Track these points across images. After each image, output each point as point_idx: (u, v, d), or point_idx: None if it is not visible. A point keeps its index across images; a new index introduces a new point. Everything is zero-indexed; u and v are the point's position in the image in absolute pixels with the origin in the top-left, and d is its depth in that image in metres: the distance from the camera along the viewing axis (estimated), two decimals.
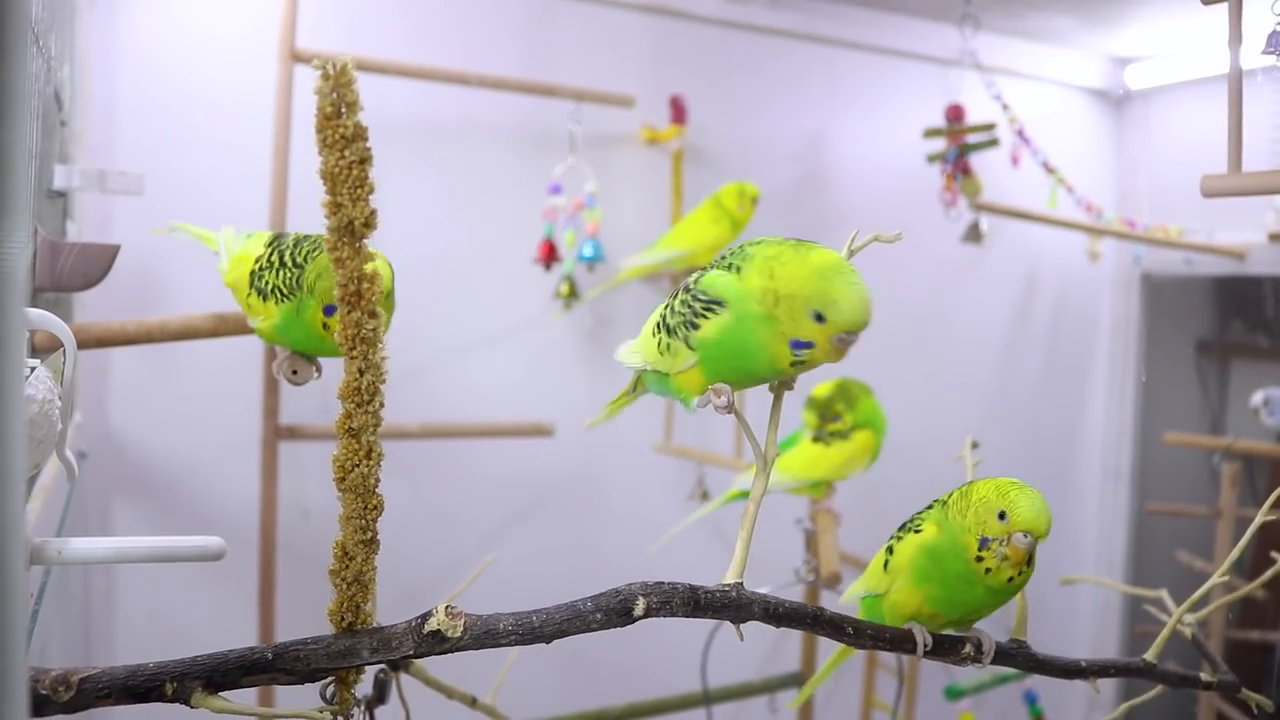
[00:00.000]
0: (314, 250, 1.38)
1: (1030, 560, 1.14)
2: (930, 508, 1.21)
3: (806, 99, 3.01)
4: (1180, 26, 2.95)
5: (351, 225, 0.91)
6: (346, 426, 0.93)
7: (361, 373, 0.93)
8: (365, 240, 0.92)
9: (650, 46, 2.78)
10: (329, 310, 1.32)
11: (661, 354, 1.10)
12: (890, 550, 1.21)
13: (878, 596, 1.21)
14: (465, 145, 2.55)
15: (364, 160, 0.91)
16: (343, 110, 0.90)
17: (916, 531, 1.19)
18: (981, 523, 1.12)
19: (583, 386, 2.70)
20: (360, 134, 0.91)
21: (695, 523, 2.78)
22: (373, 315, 0.93)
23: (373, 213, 0.92)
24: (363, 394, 0.93)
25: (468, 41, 2.54)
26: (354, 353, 0.93)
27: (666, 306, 1.11)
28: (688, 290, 1.08)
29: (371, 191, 0.92)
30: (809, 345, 1.00)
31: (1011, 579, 1.13)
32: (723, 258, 1.07)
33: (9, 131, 0.54)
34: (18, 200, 0.55)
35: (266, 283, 1.41)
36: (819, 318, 0.99)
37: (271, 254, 1.42)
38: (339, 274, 0.92)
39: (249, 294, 1.44)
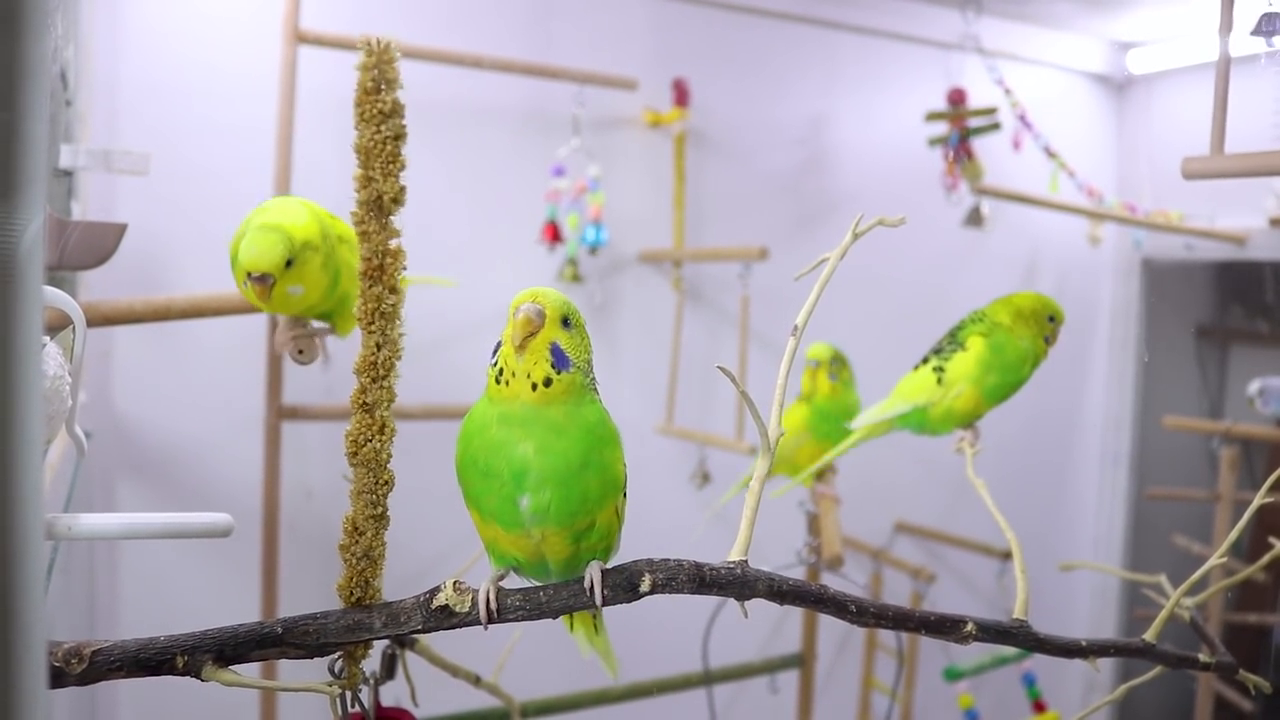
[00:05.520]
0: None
1: None
2: (956, 335, 1.71)
3: (809, 82, 3.00)
4: (1182, 11, 2.95)
5: (380, 200, 0.91)
6: (361, 401, 0.93)
7: (379, 347, 0.93)
8: (393, 216, 0.92)
9: (653, 29, 2.77)
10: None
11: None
12: (941, 369, 1.68)
13: (923, 410, 1.69)
14: (468, 127, 2.55)
15: (398, 136, 0.92)
16: (382, 87, 0.91)
17: (964, 348, 1.68)
18: (1040, 327, 1.69)
19: None
20: (397, 110, 0.92)
21: (697, 505, 2.80)
22: (393, 290, 0.92)
23: (402, 189, 0.92)
24: (379, 369, 0.93)
25: (471, 23, 2.53)
26: (372, 327, 0.92)
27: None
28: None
29: (403, 168, 0.92)
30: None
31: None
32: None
33: (25, 109, 0.54)
34: (34, 179, 0.56)
35: None
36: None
37: None
38: (364, 247, 0.92)
39: None
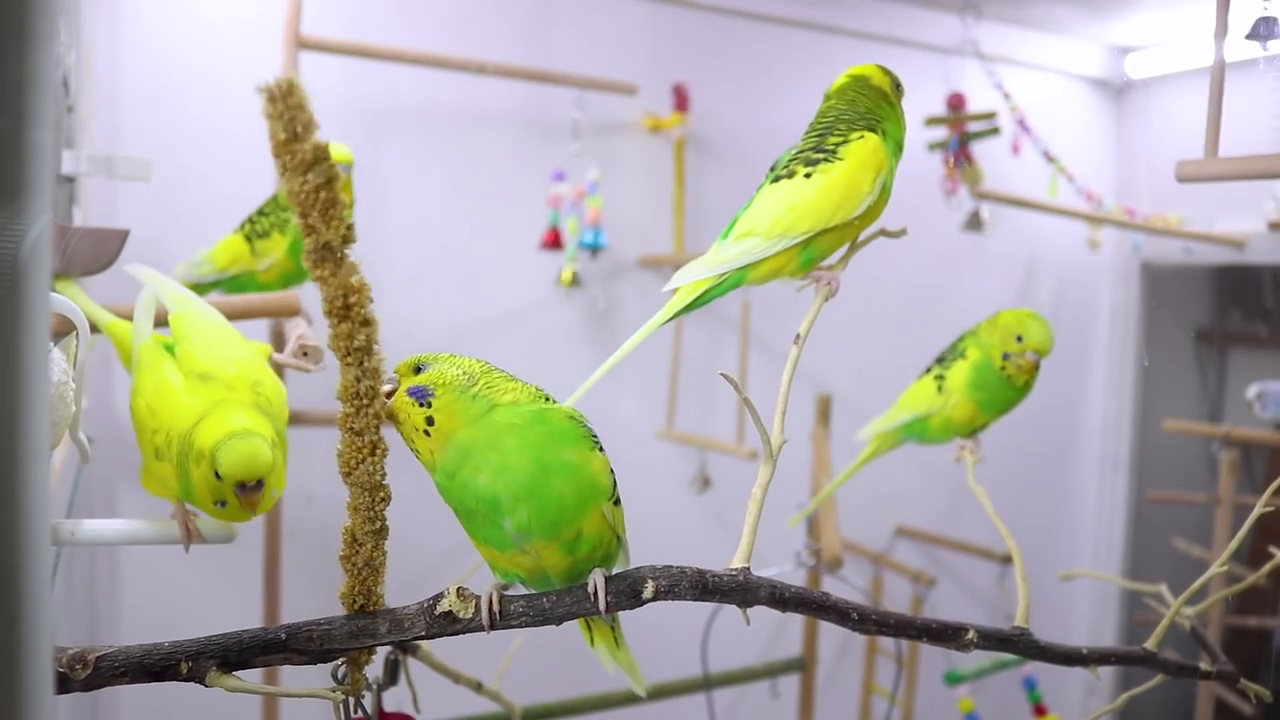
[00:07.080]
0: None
1: (1037, 369, 1.60)
2: (958, 345, 1.65)
3: (808, 87, 2.99)
4: (1180, 16, 2.95)
5: (329, 245, 0.87)
6: (349, 425, 0.92)
7: (359, 379, 0.91)
8: (346, 254, 0.88)
9: (653, 34, 2.78)
10: None
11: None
12: (942, 377, 1.63)
13: (924, 419, 1.65)
14: (469, 132, 2.55)
15: (330, 181, 0.85)
16: (298, 132, 0.83)
17: (964, 357, 1.62)
18: (1004, 342, 1.58)
19: (586, 373, 2.70)
20: (321, 156, 0.84)
21: (699, 511, 2.80)
22: (365, 324, 0.90)
23: (349, 228, 0.87)
24: (361, 398, 0.91)
25: (471, 29, 2.54)
26: (348, 360, 0.90)
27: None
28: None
29: (346, 208, 0.87)
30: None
31: (1026, 383, 1.60)
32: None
33: (30, 115, 0.54)
34: (39, 184, 0.56)
35: (261, 227, 1.84)
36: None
37: (254, 215, 1.87)
38: (324, 291, 0.87)
39: (250, 248, 1.83)
